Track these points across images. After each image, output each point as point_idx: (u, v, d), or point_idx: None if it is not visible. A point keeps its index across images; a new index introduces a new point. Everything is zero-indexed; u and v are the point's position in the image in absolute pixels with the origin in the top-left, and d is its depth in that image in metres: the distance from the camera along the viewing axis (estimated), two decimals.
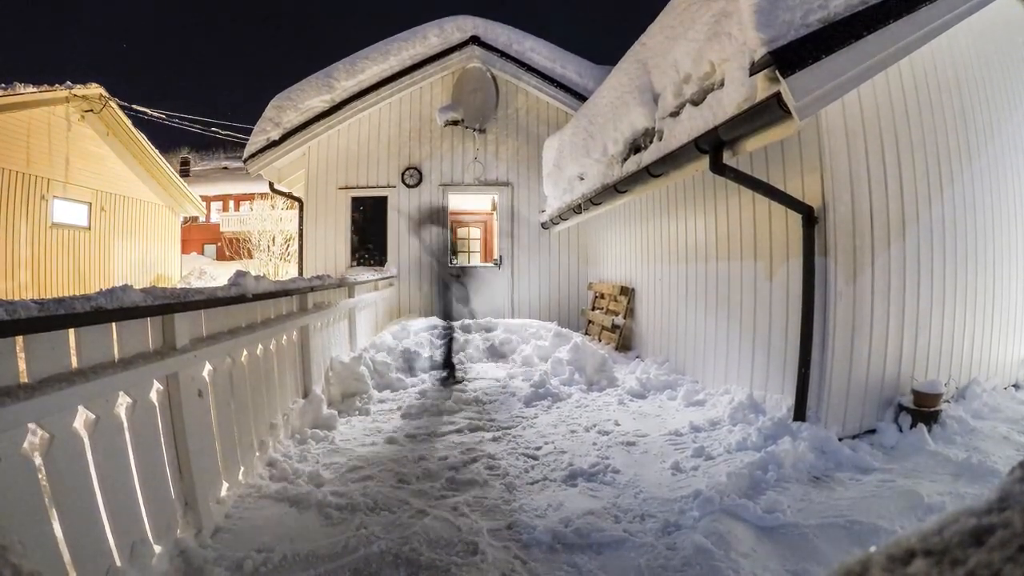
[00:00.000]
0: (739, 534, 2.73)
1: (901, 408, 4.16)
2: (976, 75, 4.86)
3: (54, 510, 1.90)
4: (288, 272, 23.98)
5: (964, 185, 4.64)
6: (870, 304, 4.15)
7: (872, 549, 0.35)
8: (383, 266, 10.75)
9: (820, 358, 4.07)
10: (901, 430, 4.04)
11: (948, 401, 4.35)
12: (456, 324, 6.80)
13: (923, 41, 3.52)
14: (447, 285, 7.70)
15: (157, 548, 2.43)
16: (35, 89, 14.90)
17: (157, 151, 19.20)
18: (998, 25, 5.05)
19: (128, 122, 17.92)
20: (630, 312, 8.34)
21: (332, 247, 11.04)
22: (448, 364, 6.85)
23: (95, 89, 16.57)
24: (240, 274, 3.49)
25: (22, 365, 1.86)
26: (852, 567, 0.34)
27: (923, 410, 4.04)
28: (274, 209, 25.97)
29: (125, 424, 2.36)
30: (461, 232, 18.01)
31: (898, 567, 0.32)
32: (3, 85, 14.32)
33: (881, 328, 4.22)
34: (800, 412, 4.09)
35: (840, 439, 3.87)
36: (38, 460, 1.87)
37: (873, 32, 3.23)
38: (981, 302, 4.83)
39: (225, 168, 40.29)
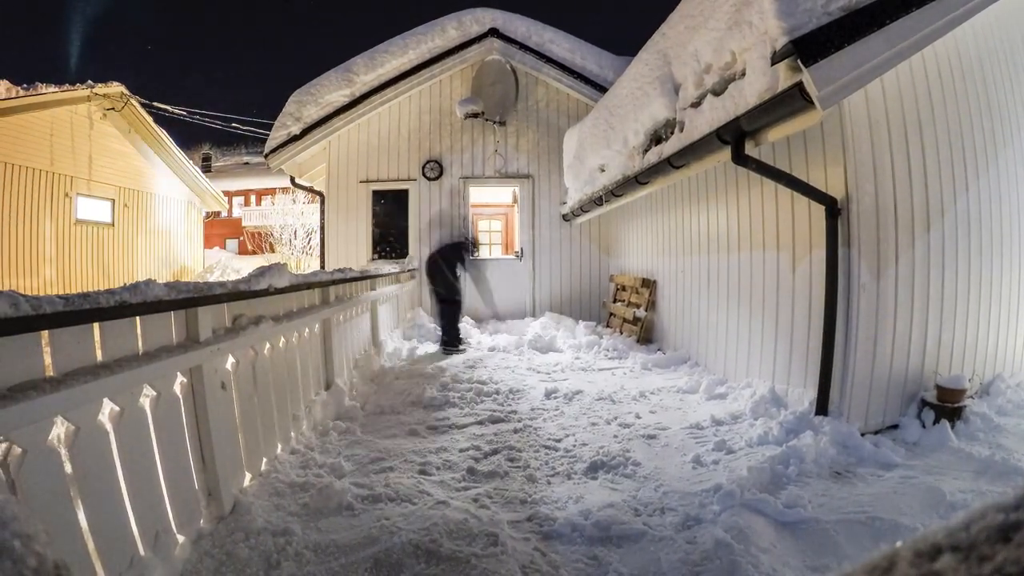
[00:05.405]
0: (759, 529, 2.71)
1: (924, 403, 4.09)
2: (1002, 63, 4.73)
3: (79, 500, 1.94)
4: (310, 266, 24.18)
5: (990, 176, 4.52)
6: (894, 297, 4.09)
7: (898, 544, 0.34)
8: (404, 259, 10.78)
9: (843, 352, 4.02)
10: (924, 426, 3.98)
11: (972, 397, 4.26)
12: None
13: (948, 28, 3.43)
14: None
15: (180, 537, 2.47)
16: (57, 89, 15.13)
17: (179, 147, 19.39)
18: None
19: (149, 119, 18.13)
20: (652, 304, 8.28)
21: (354, 240, 11.09)
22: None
23: (116, 88, 16.80)
24: (273, 266, 3.52)
25: (48, 359, 1.89)
26: (878, 562, 0.33)
27: (946, 406, 3.97)
28: (295, 203, 26.18)
29: (149, 416, 2.39)
30: (482, 225, 17.99)
31: (924, 562, 0.31)
32: (26, 86, 14.55)
33: (905, 321, 4.15)
34: (822, 406, 4.05)
35: (862, 434, 3.82)
36: (64, 452, 1.90)
37: (897, 20, 3.16)
38: (1007, 296, 4.72)
39: (246, 163, 40.55)
